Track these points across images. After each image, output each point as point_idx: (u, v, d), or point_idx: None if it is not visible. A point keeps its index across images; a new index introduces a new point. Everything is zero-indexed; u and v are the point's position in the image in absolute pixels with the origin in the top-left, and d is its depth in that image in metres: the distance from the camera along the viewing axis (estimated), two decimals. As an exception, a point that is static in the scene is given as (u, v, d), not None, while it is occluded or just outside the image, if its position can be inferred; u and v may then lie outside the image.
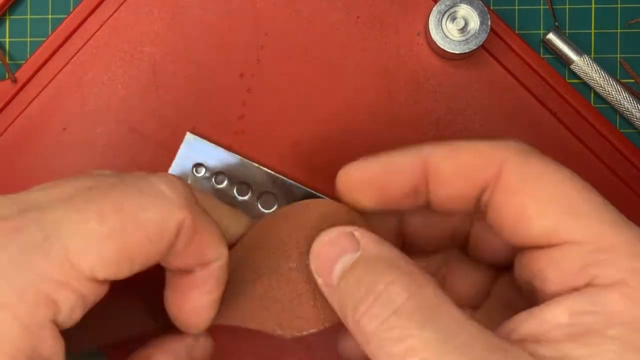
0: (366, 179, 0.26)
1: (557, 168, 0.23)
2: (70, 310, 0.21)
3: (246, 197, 0.38)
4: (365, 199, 0.26)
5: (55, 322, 0.21)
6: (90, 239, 0.21)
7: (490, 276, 0.29)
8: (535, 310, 0.21)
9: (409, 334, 0.20)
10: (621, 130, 0.38)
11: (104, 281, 0.22)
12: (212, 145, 0.38)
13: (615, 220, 0.21)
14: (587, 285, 0.20)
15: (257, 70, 0.39)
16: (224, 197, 0.37)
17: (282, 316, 0.27)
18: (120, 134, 0.39)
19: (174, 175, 0.24)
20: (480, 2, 0.36)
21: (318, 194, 0.38)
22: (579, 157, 0.37)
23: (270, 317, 0.27)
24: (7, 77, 0.40)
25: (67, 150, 0.39)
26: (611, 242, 0.21)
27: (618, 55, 0.39)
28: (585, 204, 0.22)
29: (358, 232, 0.24)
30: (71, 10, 0.40)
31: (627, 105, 0.37)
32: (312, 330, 0.27)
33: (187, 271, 0.25)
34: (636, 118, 0.38)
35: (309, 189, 0.38)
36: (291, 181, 0.37)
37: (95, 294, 0.22)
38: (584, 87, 0.39)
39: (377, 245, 0.24)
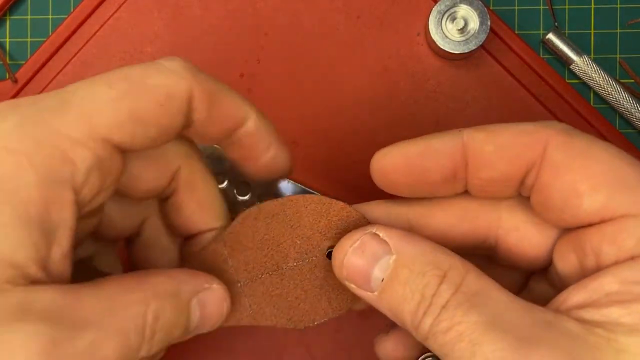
0: (403, 163, 0.26)
1: (604, 145, 0.23)
2: (87, 172, 0.21)
3: (246, 197, 0.38)
4: (403, 184, 0.26)
5: (73, 187, 0.21)
6: (102, 101, 0.22)
7: (520, 282, 0.28)
8: (585, 281, 0.21)
9: (457, 321, 0.21)
10: (620, 131, 0.38)
11: (120, 148, 0.22)
12: (212, 145, 0.38)
13: None
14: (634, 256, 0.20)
15: (257, 70, 0.39)
16: (224, 197, 0.37)
17: (291, 311, 0.28)
18: (121, 134, 0.39)
19: (179, 58, 0.24)
20: (480, 2, 0.36)
21: (317, 194, 0.37)
22: (579, 157, 0.38)
23: (279, 313, 0.27)
24: (7, 77, 0.40)
25: (67, 150, 0.39)
26: None
27: (618, 56, 0.39)
28: (636, 178, 0.21)
29: (382, 232, 0.24)
30: (71, 10, 0.40)
31: (626, 105, 0.37)
32: (322, 320, 0.28)
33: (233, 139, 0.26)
34: (635, 118, 0.38)
35: (308, 189, 0.38)
36: (291, 181, 0.38)
37: (111, 160, 0.22)
38: (584, 87, 0.39)
39: (409, 242, 0.24)
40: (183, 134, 0.25)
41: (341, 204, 0.28)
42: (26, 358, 0.19)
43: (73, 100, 0.22)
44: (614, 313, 0.20)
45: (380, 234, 0.24)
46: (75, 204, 0.21)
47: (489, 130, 0.24)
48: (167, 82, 0.23)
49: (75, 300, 0.21)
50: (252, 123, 0.26)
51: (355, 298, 0.27)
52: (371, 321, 0.38)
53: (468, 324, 0.21)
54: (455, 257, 0.23)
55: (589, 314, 0.20)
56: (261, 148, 0.26)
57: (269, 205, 0.27)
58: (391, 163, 0.26)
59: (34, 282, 0.20)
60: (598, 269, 0.21)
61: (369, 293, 0.24)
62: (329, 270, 0.27)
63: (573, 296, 0.21)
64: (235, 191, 0.38)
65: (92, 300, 0.21)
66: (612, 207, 0.21)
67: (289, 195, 0.28)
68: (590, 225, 0.22)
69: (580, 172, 0.22)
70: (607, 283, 0.20)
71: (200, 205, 0.27)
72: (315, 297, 0.27)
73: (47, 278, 0.21)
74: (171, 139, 0.24)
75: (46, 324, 0.20)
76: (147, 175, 0.25)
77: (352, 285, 0.25)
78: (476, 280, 0.22)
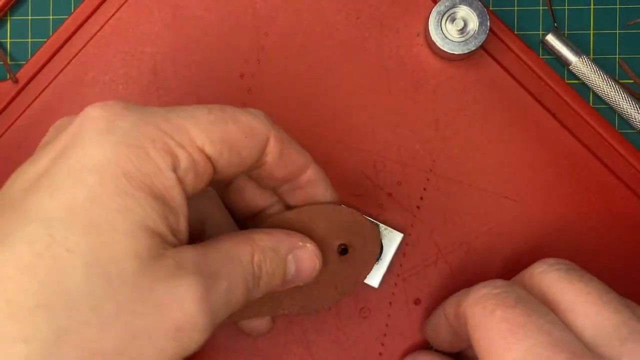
0: None
1: (491, 313, 0.27)
2: (186, 170, 0.25)
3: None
4: None
5: (174, 170, 0.25)
6: (200, 120, 0.26)
7: None
8: None
9: None
10: (620, 131, 0.38)
11: (210, 160, 0.26)
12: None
13: (519, 356, 0.26)
14: None
15: (257, 70, 0.39)
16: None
17: (304, 299, 0.32)
18: (121, 134, 0.39)
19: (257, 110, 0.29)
20: (480, 2, 0.36)
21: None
22: (578, 157, 0.38)
23: (294, 302, 0.32)
24: (8, 77, 0.40)
25: (68, 151, 0.39)
26: None
27: (617, 56, 0.39)
28: (499, 346, 0.26)
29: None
30: (72, 11, 0.40)
31: (625, 106, 0.38)
32: (331, 304, 0.34)
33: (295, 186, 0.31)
34: (634, 119, 0.38)
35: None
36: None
37: (202, 167, 0.26)
38: (583, 88, 0.39)
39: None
40: (253, 173, 0.30)
41: (349, 209, 0.33)
42: (193, 302, 0.24)
43: (178, 113, 0.26)
44: None
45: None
46: (184, 193, 0.25)
47: (446, 304, 0.32)
48: (253, 122, 0.27)
49: (205, 256, 0.26)
50: (312, 171, 0.31)
51: (357, 283, 0.33)
52: (371, 321, 0.38)
53: None
54: None
55: None
56: (319, 193, 0.32)
57: (289, 214, 0.32)
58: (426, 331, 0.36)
59: (174, 246, 0.25)
60: None
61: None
62: (338, 262, 0.32)
63: None
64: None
65: (215, 255, 0.26)
66: None
67: (305, 206, 0.32)
68: None
69: (474, 342, 0.28)
70: None
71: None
72: (325, 285, 0.32)
73: (179, 243, 0.25)
74: (243, 172, 0.29)
75: (197, 276, 0.24)
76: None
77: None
78: None
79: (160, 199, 0.24)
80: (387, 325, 0.38)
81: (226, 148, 0.26)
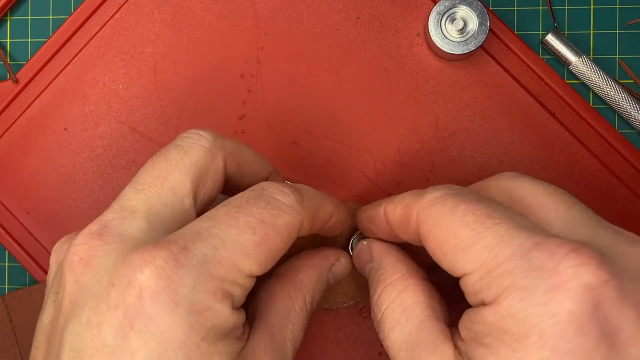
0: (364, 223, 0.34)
1: (452, 209, 0.26)
2: (239, 300, 0.26)
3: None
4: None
5: (232, 307, 0.26)
6: (248, 246, 0.26)
7: None
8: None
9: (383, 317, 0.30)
10: (620, 131, 0.38)
11: (258, 275, 0.27)
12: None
13: (494, 244, 0.25)
14: (481, 304, 0.25)
15: (257, 70, 0.39)
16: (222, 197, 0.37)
17: (328, 295, 0.36)
18: (121, 135, 0.39)
19: (283, 185, 0.29)
20: (480, 3, 0.36)
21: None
22: (578, 158, 0.38)
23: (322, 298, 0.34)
24: (8, 77, 0.40)
25: (68, 151, 0.39)
26: (490, 267, 0.24)
27: (617, 56, 0.39)
28: (468, 237, 0.25)
29: (368, 244, 0.33)
30: (72, 11, 0.40)
31: (625, 106, 0.38)
32: (350, 303, 0.37)
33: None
34: (634, 119, 0.38)
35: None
36: (290, 181, 0.38)
37: (252, 283, 0.27)
38: (583, 88, 0.39)
39: (382, 253, 0.32)
40: None
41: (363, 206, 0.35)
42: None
43: (226, 247, 0.26)
44: (468, 347, 0.26)
45: (366, 244, 0.33)
46: (236, 312, 0.27)
47: (388, 202, 0.30)
48: (289, 221, 0.28)
49: (271, 335, 0.29)
50: (335, 218, 0.32)
51: None
52: (371, 321, 0.38)
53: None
54: (403, 272, 0.30)
55: (461, 345, 0.26)
56: (337, 229, 0.33)
57: None
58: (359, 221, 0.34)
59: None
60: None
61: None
62: None
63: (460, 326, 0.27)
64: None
65: (279, 329, 0.30)
66: (457, 269, 0.26)
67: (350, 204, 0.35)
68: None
69: (434, 242, 0.27)
70: (462, 323, 0.26)
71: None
72: (347, 283, 0.36)
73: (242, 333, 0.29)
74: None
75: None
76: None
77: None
78: (411, 294, 0.29)
79: (226, 335, 0.26)
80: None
81: (270, 261, 0.27)
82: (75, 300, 0.25)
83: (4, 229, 0.40)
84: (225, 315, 0.25)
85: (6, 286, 0.41)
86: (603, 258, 0.23)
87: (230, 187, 0.31)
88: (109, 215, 0.27)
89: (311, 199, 0.29)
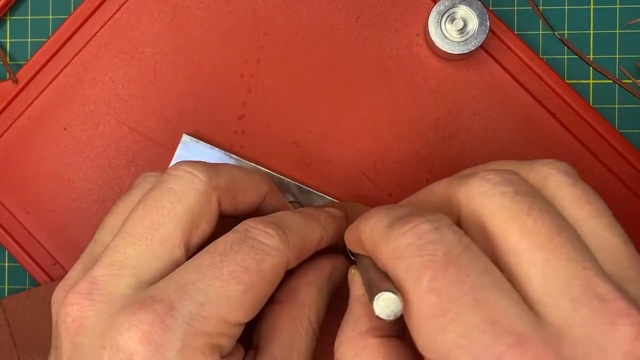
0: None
1: (417, 275, 0.22)
2: (229, 348, 0.27)
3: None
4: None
5: (221, 356, 0.26)
6: (233, 297, 0.26)
7: None
8: None
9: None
10: (620, 131, 0.38)
11: (246, 322, 0.27)
12: (209, 146, 0.38)
13: (451, 346, 0.21)
14: None
15: (257, 70, 0.39)
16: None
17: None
18: (121, 135, 0.39)
19: (268, 224, 0.28)
20: (479, 2, 0.36)
21: (318, 193, 0.38)
22: (578, 157, 0.38)
23: None
24: (8, 77, 0.40)
25: (67, 150, 0.39)
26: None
27: (617, 56, 0.39)
28: (429, 326, 0.21)
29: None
30: (72, 11, 0.40)
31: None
32: None
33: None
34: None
35: (308, 188, 0.38)
36: (290, 180, 0.38)
37: (240, 330, 0.27)
38: (583, 88, 0.39)
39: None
40: None
41: (367, 207, 0.35)
42: None
43: (211, 302, 0.25)
44: None
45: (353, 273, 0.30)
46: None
47: (360, 229, 0.27)
48: (275, 263, 0.27)
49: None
50: (325, 240, 0.31)
51: None
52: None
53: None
54: (363, 330, 0.27)
55: None
56: (330, 243, 0.32)
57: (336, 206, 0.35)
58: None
59: None
60: None
61: None
62: None
63: None
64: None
65: (280, 350, 0.29)
66: (419, 347, 0.22)
67: (342, 203, 0.35)
68: None
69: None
70: None
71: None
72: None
73: None
74: None
75: None
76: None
77: None
78: (368, 358, 0.26)
79: None
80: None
81: (258, 306, 0.27)
82: (69, 352, 0.27)
83: (3, 229, 0.40)
84: None
85: (6, 286, 0.41)
86: None
87: (224, 217, 0.31)
88: (98, 271, 0.27)
89: (296, 233, 0.29)
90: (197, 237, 0.29)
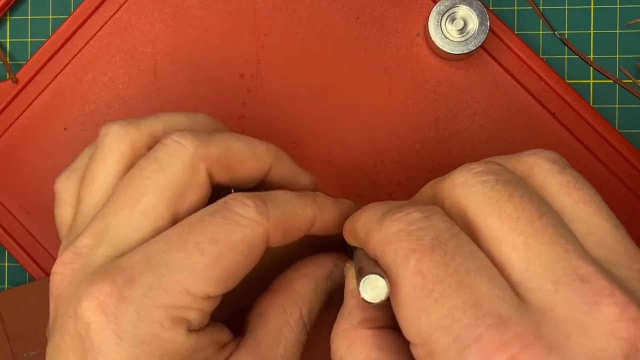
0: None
1: (404, 259, 0.22)
2: (199, 322, 0.26)
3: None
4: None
5: (189, 330, 0.26)
6: (197, 269, 0.25)
7: None
8: None
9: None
10: (620, 131, 0.38)
11: (217, 295, 0.26)
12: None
13: (435, 326, 0.21)
14: None
15: (257, 70, 0.39)
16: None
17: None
18: (121, 134, 0.39)
19: (244, 194, 0.27)
20: (480, 2, 0.36)
21: (318, 193, 0.38)
22: (578, 157, 0.38)
23: None
24: (8, 77, 0.40)
25: (67, 150, 0.39)
26: (431, 350, 0.21)
27: (617, 56, 0.39)
28: (414, 307, 0.22)
29: None
30: (72, 11, 0.40)
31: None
32: None
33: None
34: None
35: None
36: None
37: (213, 305, 0.26)
38: (583, 88, 0.39)
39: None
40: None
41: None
42: None
43: (171, 273, 0.25)
44: None
45: (347, 267, 0.30)
46: (192, 336, 0.26)
47: (354, 222, 0.27)
48: (248, 234, 0.26)
49: (259, 346, 0.28)
50: (320, 223, 0.29)
51: None
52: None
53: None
54: (355, 322, 0.27)
55: None
56: (330, 230, 0.31)
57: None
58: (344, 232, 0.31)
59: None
60: None
61: None
62: None
63: None
64: (232, 191, 0.38)
65: (268, 337, 0.28)
66: (408, 335, 0.23)
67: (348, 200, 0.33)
68: None
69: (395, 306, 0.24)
70: None
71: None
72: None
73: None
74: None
75: None
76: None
77: None
78: (361, 349, 0.25)
79: (186, 359, 0.25)
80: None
81: (230, 279, 0.26)
82: (52, 320, 0.27)
83: (3, 229, 0.40)
84: (177, 341, 0.25)
85: (6, 286, 0.41)
86: None
87: (224, 188, 0.30)
88: (81, 241, 0.27)
89: (280, 206, 0.27)
90: (185, 208, 0.28)
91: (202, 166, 0.28)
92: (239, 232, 0.26)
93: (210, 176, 0.28)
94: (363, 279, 0.23)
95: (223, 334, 0.27)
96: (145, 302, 0.24)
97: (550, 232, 0.21)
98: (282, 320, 0.29)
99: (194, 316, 0.25)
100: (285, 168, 0.32)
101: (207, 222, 0.26)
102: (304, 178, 0.33)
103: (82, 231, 0.27)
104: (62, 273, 0.27)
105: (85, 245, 0.27)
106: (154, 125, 0.30)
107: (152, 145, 0.29)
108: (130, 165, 0.28)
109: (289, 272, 0.31)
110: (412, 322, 0.22)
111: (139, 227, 0.27)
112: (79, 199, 0.29)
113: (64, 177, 0.31)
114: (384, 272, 0.23)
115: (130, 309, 0.24)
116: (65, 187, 0.31)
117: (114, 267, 0.25)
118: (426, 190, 0.27)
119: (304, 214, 0.29)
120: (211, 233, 0.25)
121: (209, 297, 0.25)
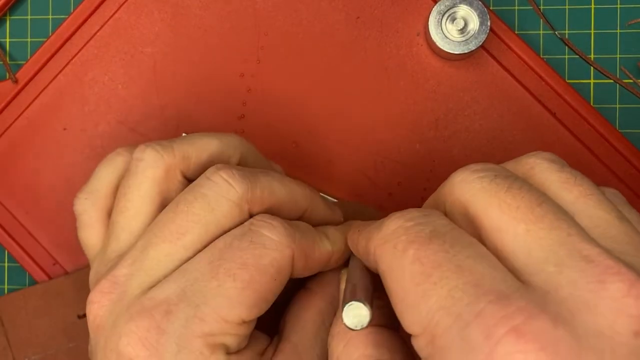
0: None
1: (402, 253, 0.22)
2: (237, 345, 0.26)
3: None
4: None
5: (229, 353, 0.26)
6: (231, 295, 0.26)
7: None
8: None
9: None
10: (620, 131, 0.38)
11: (252, 320, 0.27)
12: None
13: (436, 309, 0.21)
14: None
15: (257, 70, 0.39)
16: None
17: None
18: (121, 135, 0.39)
19: (270, 216, 0.28)
20: (480, 2, 0.36)
21: (319, 193, 0.38)
22: (579, 157, 0.37)
23: None
24: (7, 77, 0.40)
25: (67, 150, 0.39)
26: (433, 335, 0.21)
27: (617, 56, 0.39)
28: (414, 294, 0.21)
29: None
30: (72, 10, 0.40)
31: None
32: None
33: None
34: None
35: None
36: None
37: (249, 329, 0.27)
38: (584, 87, 0.39)
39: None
40: None
41: (371, 209, 0.37)
42: None
43: (208, 301, 0.25)
44: None
45: (342, 273, 0.30)
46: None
47: (353, 231, 0.28)
48: (276, 257, 0.27)
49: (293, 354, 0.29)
50: (337, 256, 0.30)
51: None
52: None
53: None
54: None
55: None
56: (343, 259, 0.31)
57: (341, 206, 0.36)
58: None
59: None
60: None
61: None
62: None
63: None
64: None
65: (297, 347, 0.29)
66: (406, 327, 0.22)
67: (346, 202, 0.36)
68: None
69: (387, 288, 0.24)
70: None
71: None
72: None
73: None
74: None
75: None
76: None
77: None
78: (356, 348, 0.26)
79: None
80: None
81: (263, 302, 0.27)
82: (92, 351, 0.28)
83: (3, 229, 0.40)
84: None
85: (5, 286, 0.41)
86: (556, 341, 0.18)
87: None
88: (120, 270, 0.27)
89: (303, 232, 0.28)
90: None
91: (246, 207, 0.28)
92: (268, 255, 0.27)
93: (249, 213, 0.29)
94: (347, 305, 0.23)
95: (261, 343, 0.28)
96: (184, 333, 0.25)
97: (551, 218, 0.21)
98: (318, 322, 0.30)
99: (232, 341, 0.26)
100: (319, 212, 0.33)
101: (236, 247, 0.26)
102: (335, 219, 0.34)
103: (121, 260, 0.28)
104: (100, 302, 0.27)
105: (124, 275, 0.27)
106: (188, 149, 0.30)
107: (185, 169, 0.30)
108: (165, 190, 0.29)
109: (327, 273, 0.31)
110: (412, 310, 0.21)
111: (178, 259, 0.27)
112: (111, 223, 0.30)
113: (81, 199, 0.32)
114: (367, 300, 0.23)
115: (170, 341, 0.25)
116: (84, 209, 0.32)
117: (150, 300, 0.26)
118: (429, 202, 0.28)
119: (324, 247, 0.30)
120: (240, 258, 0.26)
121: (243, 322, 0.26)
